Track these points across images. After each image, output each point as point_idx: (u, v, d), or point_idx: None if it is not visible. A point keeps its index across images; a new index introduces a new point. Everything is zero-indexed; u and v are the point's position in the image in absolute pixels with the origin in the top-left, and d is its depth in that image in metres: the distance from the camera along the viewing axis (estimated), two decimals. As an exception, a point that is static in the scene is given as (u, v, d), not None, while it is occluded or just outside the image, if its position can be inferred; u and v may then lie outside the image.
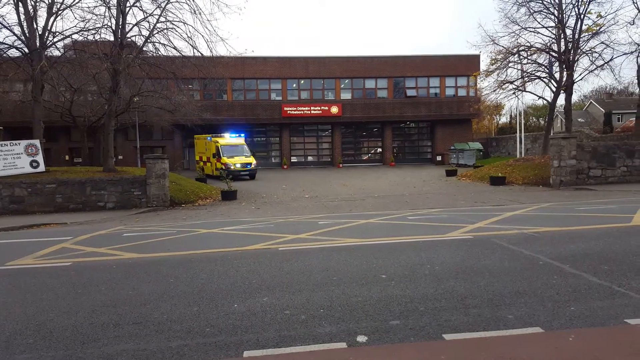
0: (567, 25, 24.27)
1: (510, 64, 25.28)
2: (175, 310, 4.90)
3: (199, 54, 20.24)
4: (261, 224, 11.50)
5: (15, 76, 20.98)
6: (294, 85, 39.28)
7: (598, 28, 23.32)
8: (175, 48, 19.95)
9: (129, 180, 17.60)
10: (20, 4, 18.61)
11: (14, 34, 19.20)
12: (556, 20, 24.28)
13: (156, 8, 19.76)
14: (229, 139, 30.46)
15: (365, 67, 39.13)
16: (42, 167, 18.75)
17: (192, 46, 19.94)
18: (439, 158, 39.72)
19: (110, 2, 19.11)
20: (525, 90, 26.67)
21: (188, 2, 19.74)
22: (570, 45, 24.04)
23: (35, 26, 19.00)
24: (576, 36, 23.77)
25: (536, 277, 5.58)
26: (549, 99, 26.89)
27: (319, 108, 38.58)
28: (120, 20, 19.52)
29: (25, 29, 18.87)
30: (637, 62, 23.31)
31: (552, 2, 24.15)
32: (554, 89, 25.52)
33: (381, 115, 39.77)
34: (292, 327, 4.31)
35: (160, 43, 20.03)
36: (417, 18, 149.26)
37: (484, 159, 37.68)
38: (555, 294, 4.97)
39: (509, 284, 5.35)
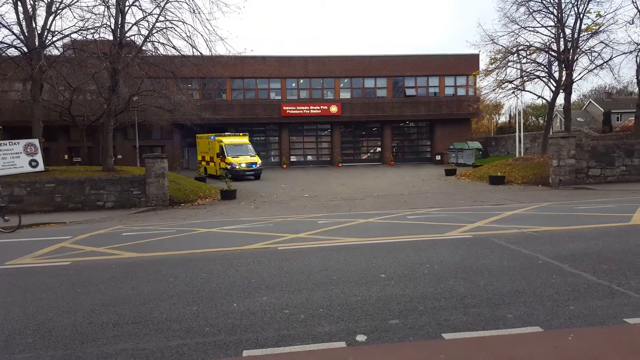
0: (566, 24, 24.29)
1: (509, 64, 25.28)
2: (175, 310, 4.90)
3: (198, 54, 20.22)
4: (260, 224, 11.50)
5: (14, 75, 20.94)
6: (293, 84, 39.26)
7: (597, 27, 23.33)
8: (174, 47, 19.94)
9: (128, 179, 17.59)
10: (19, 3, 18.59)
11: (13, 33, 19.19)
12: (555, 19, 24.28)
13: (155, 7, 19.76)
14: (233, 138, 29.91)
15: (364, 66, 39.12)
16: (41, 167, 18.73)
17: (191, 45, 19.94)
18: (438, 157, 39.74)
19: (110, 1, 19.10)
20: (524, 90, 26.71)
21: (187, 1, 19.73)
22: (569, 44, 24.05)
23: (34, 25, 18.97)
24: (575, 35, 23.77)
25: (535, 277, 5.59)
26: (548, 99, 26.91)
27: (318, 107, 38.56)
28: (120, 19, 19.50)
29: (24, 28, 18.84)
30: (637, 62, 23.32)
31: (552, 1, 24.16)
32: (553, 89, 25.54)
33: (380, 115, 39.76)
34: (291, 326, 4.31)
35: (159, 42, 20.03)
36: (417, 18, 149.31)
37: (483, 158, 37.71)
38: (554, 293, 4.98)
39: (508, 284, 5.36)
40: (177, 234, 10.39)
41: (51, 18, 18.92)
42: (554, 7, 24.17)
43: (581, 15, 23.56)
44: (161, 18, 19.70)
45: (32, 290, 5.92)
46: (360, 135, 43.34)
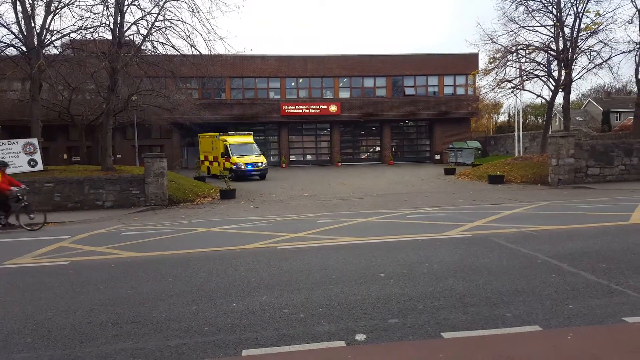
0: (565, 24, 24.30)
1: (508, 63, 25.30)
2: (174, 309, 4.90)
3: (198, 53, 20.21)
4: (260, 223, 11.50)
5: (13, 75, 20.91)
6: (293, 84, 39.26)
7: (596, 27, 23.34)
8: (173, 47, 19.93)
9: (127, 179, 17.58)
10: (18, 3, 18.56)
11: (12, 33, 19.16)
12: (555, 18, 24.29)
13: (154, 6, 19.74)
14: (237, 137, 29.29)
15: (363, 65, 39.13)
16: (40, 166, 18.71)
17: (190, 45, 19.94)
18: (437, 157, 39.77)
19: (108, 0, 19.09)
20: (523, 89, 26.71)
21: (186, 0, 19.71)
22: (568, 43, 24.06)
23: (33, 24, 18.95)
24: (574, 35, 23.78)
25: (534, 276, 5.59)
26: (548, 98, 26.93)
27: (318, 107, 38.56)
28: (119, 18, 19.49)
29: (23, 27, 18.81)
30: (635, 61, 23.33)
31: (551, 0, 24.18)
32: (553, 88, 25.55)
33: (380, 114, 39.77)
34: (290, 325, 4.31)
35: (158, 42, 20.01)
36: (417, 18, 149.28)
37: (482, 157, 37.73)
38: (553, 292, 4.98)
39: (508, 283, 5.36)
40: (176, 233, 10.39)
41: (50, 17, 18.91)
42: (553, 7, 24.20)
43: (580, 15, 23.59)
44: (160, 17, 19.70)
45: (31, 290, 5.91)
46: (359, 134, 43.35)
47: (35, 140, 18.88)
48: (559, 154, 18.83)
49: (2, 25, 19.19)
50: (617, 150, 19.28)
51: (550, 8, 24.35)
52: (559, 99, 26.70)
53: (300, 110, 38.47)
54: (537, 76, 25.80)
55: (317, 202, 16.61)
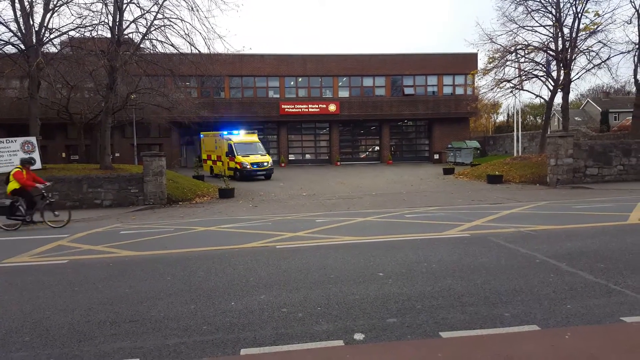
0: (564, 24, 24.33)
1: (507, 63, 25.32)
2: (172, 308, 4.89)
3: (197, 51, 20.19)
4: (258, 222, 11.49)
5: (12, 73, 20.86)
6: (292, 83, 39.23)
7: (595, 27, 23.37)
8: (172, 45, 19.92)
9: (125, 177, 17.56)
10: (16, 0, 18.51)
11: (10, 31, 19.11)
12: (554, 18, 24.31)
13: (153, 5, 19.73)
14: (242, 136, 28.63)
15: (363, 65, 39.12)
16: (38, 165, 18.65)
17: (189, 43, 19.92)
18: (436, 156, 39.77)
19: (108, -2, 19.06)
20: (522, 89, 26.74)
21: (186, -1, 19.68)
22: (567, 44, 24.08)
23: (31, 22, 18.91)
24: (574, 35, 23.81)
25: (533, 275, 5.60)
26: (546, 98, 26.97)
27: (317, 106, 38.54)
28: (118, 17, 19.46)
29: (21, 25, 18.77)
30: (634, 61, 23.35)
31: (550, 0, 24.20)
32: (551, 88, 25.58)
33: (379, 114, 39.77)
34: (289, 325, 4.31)
35: (157, 40, 19.99)
36: (416, 17, 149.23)
37: (481, 157, 37.74)
38: (551, 292, 4.99)
39: (506, 282, 5.37)
40: (175, 232, 10.38)
41: (49, 15, 18.87)
42: (552, 7, 24.22)
43: (579, 15, 23.62)
44: (159, 16, 19.69)
45: (29, 289, 5.91)
46: (358, 134, 43.35)
47: (33, 139, 18.84)
48: (557, 154, 18.85)
49: (1, 23, 19.16)
50: (616, 151, 19.31)
51: (549, 8, 24.39)
52: (558, 99, 26.73)
53: (300, 110, 38.45)
54: (536, 76, 25.82)
55: (316, 202, 16.61)
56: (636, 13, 22.62)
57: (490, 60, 25.29)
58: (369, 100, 39.52)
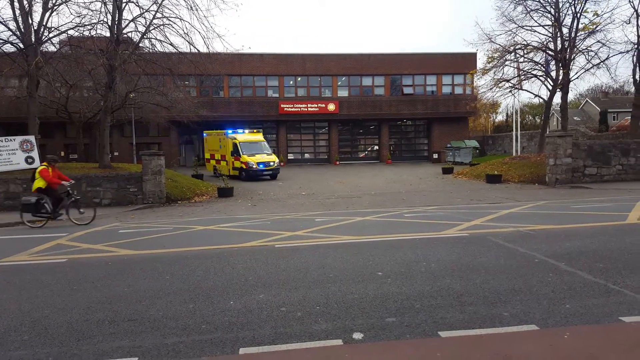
0: (563, 23, 24.33)
1: (506, 62, 25.32)
2: (171, 307, 4.89)
3: (196, 51, 20.17)
4: (258, 221, 11.49)
5: (11, 72, 20.82)
6: (291, 82, 39.21)
7: (594, 27, 23.37)
8: (171, 44, 19.90)
9: (124, 176, 17.54)
10: (15, -1, 18.50)
11: (9, 29, 19.09)
12: (553, 18, 24.31)
13: (153, 4, 19.70)
14: (247, 135, 28.07)
15: (362, 64, 39.11)
16: (37, 163, 18.60)
17: (188, 42, 19.91)
18: (435, 156, 39.78)
19: (106, -3, 19.02)
20: (521, 89, 26.74)
21: (185, -2, 19.65)
22: (566, 43, 24.09)
23: (30, 21, 18.88)
24: (572, 35, 23.82)
25: (532, 275, 5.60)
26: (545, 98, 26.97)
27: (316, 105, 38.53)
28: (117, 15, 19.44)
29: (20, 24, 18.74)
30: (633, 61, 23.35)
31: (549, 0, 24.19)
32: (550, 88, 25.59)
33: (378, 113, 39.77)
34: (288, 324, 4.31)
35: (156, 39, 19.97)
36: (416, 17, 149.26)
37: (480, 157, 37.76)
38: (550, 291, 4.99)
39: (505, 282, 5.37)
40: (174, 231, 10.38)
41: (48, 14, 18.84)
42: (551, 6, 24.22)
43: (578, 15, 23.62)
44: (158, 15, 19.67)
45: (27, 288, 5.90)
46: (357, 133, 43.34)
47: (32, 138, 18.81)
48: (556, 153, 18.86)
49: (0, 22, 19.13)
50: (615, 150, 19.33)
51: (548, 8, 24.38)
52: (557, 98, 26.76)
53: (299, 109, 38.43)
54: (535, 76, 25.83)
55: (315, 201, 16.61)
56: (635, 13, 22.63)
57: (490, 60, 25.30)
58: (368, 99, 39.52)
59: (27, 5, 18.70)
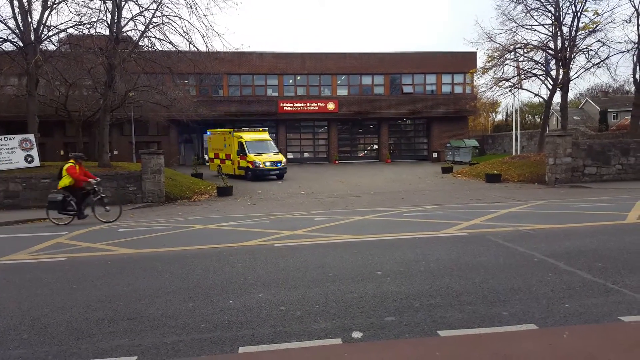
0: (563, 22, 24.32)
1: (506, 62, 25.31)
2: (171, 306, 4.89)
3: (195, 49, 20.15)
4: (257, 220, 11.49)
5: (10, 70, 20.81)
6: (291, 81, 39.17)
7: (595, 26, 23.37)
8: (171, 43, 19.88)
9: (124, 175, 17.53)
10: (14, -3, 18.47)
11: (9, 28, 19.06)
12: (553, 17, 24.30)
13: (152, 2, 19.67)
14: (253, 133, 27.46)
15: (361, 63, 39.08)
16: (36, 162, 18.63)
17: (188, 41, 19.88)
18: (435, 155, 39.78)
19: (106, -4, 18.99)
20: (521, 88, 26.73)
21: (184, -4, 19.63)
22: (566, 43, 24.08)
23: (29, 20, 18.85)
24: (573, 34, 23.80)
25: (531, 274, 5.61)
26: (545, 97, 26.97)
27: (316, 104, 38.50)
28: (116, 14, 19.41)
29: (19, 22, 18.72)
30: (633, 61, 23.33)
31: (549, -1, 24.18)
32: (550, 87, 25.58)
33: (377, 112, 39.75)
34: (287, 323, 4.31)
35: (156, 38, 19.95)
36: (415, 16, 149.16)
37: (479, 156, 37.75)
38: (549, 291, 4.99)
39: (504, 281, 5.37)
40: (173, 230, 10.37)
41: (47, 12, 18.82)
42: (551, 5, 24.20)
43: (579, 14, 23.61)
44: (158, 13, 19.64)
45: (27, 286, 5.90)
46: (357, 132, 43.31)
47: (31, 136, 18.80)
48: (556, 153, 18.87)
49: (-1, 20, 19.12)
50: (614, 150, 19.34)
51: (548, 7, 24.36)
52: (557, 98, 26.74)
53: (298, 108, 38.41)
54: (535, 75, 25.82)
55: (314, 200, 16.61)
56: (635, 12, 22.61)
57: (490, 59, 25.29)
58: (367, 98, 39.50)
59: (26, 4, 18.67)
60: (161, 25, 19.76)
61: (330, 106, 38.53)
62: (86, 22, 18.81)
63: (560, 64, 24.30)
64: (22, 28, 18.68)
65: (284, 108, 38.17)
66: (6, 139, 18.23)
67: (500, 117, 64.50)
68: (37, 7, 19.39)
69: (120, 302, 5.08)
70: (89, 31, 19.06)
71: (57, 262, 7.27)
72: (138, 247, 8.24)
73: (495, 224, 9.23)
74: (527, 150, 35.78)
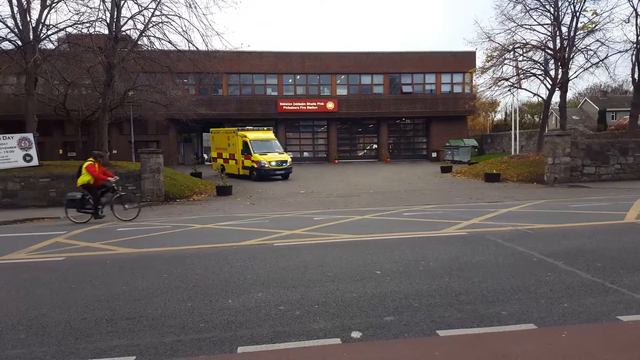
0: (562, 22, 24.33)
1: (505, 61, 25.32)
2: (169, 306, 4.88)
3: (195, 48, 20.13)
4: (256, 220, 11.48)
5: (9, 69, 20.76)
6: (290, 80, 39.15)
7: (593, 26, 23.38)
8: (170, 42, 19.86)
9: (123, 174, 17.47)
10: (13, -4, 18.43)
11: (7, 27, 19.02)
12: (552, 17, 24.31)
13: (151, 1, 19.65)
14: (258, 132, 26.83)
15: (361, 63, 39.07)
16: (35, 161, 18.60)
17: (187, 40, 19.86)
18: (434, 154, 39.80)
19: (105, -5, 18.96)
20: (520, 88, 26.72)
21: (183, -5, 19.61)
22: (565, 42, 24.09)
23: (28, 19, 18.81)
24: (572, 34, 23.82)
25: (530, 274, 5.61)
26: (544, 96, 26.97)
27: (315, 104, 38.49)
28: (115, 13, 19.38)
29: (18, 21, 18.68)
30: (632, 60, 23.37)
31: (548, -1, 24.18)
32: (549, 87, 25.60)
33: (377, 112, 39.75)
34: (286, 322, 4.31)
35: (155, 37, 19.93)
36: (415, 16, 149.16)
37: (478, 155, 37.76)
38: (548, 290, 5.00)
39: (503, 281, 5.37)
40: (172, 229, 10.36)
41: (46, 11, 18.78)
42: (550, 5, 24.19)
43: (577, 14, 23.62)
44: (157, 12, 19.62)
45: (25, 286, 5.89)
46: (356, 131, 43.30)
47: (30, 135, 18.76)
48: (555, 152, 18.88)
49: (-2, 19, 19.07)
50: (613, 150, 19.35)
51: (547, 7, 24.36)
52: (556, 97, 26.76)
53: (298, 107, 38.39)
54: (534, 75, 25.83)
55: (313, 199, 16.60)
56: (634, 12, 22.63)
57: (489, 58, 25.29)
58: (367, 98, 39.49)
59: (25, 3, 18.62)
60: (160, 25, 19.74)
61: (330, 105, 38.53)
62: (85, 21, 18.79)
63: (559, 63, 24.31)
64: (21, 27, 18.64)
65: (284, 107, 38.16)
66: (5, 138, 18.20)
67: (499, 116, 64.58)
68: (36, 6, 19.45)
69: (118, 302, 5.07)
70: (88, 30, 19.04)
71: (55, 262, 7.26)
72: (137, 247, 8.23)
73: (494, 224, 9.24)
74: (526, 149, 35.79)
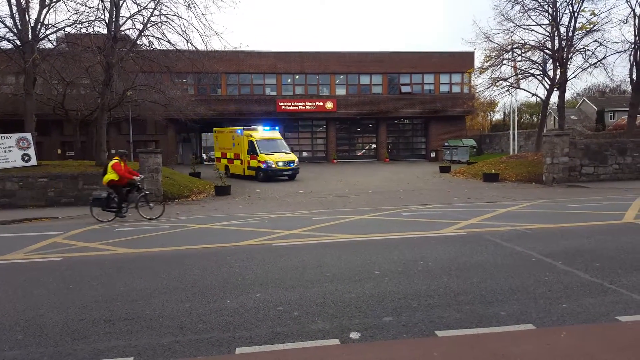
0: (561, 23, 24.36)
1: (504, 61, 25.32)
2: (167, 307, 4.87)
3: (194, 48, 20.09)
4: (255, 220, 11.47)
5: (7, 69, 20.72)
6: (289, 80, 39.15)
7: (592, 26, 23.40)
8: (169, 42, 19.80)
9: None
10: (12, -5, 18.38)
11: (6, 26, 18.95)
12: (550, 18, 24.33)
13: (150, 1, 19.59)
14: (263, 132, 26.24)
15: (360, 63, 39.08)
16: (33, 161, 18.56)
17: (186, 40, 19.80)
18: (432, 154, 39.83)
19: (104, -6, 18.91)
20: (519, 88, 26.76)
21: (183, -5, 19.57)
22: (564, 43, 24.11)
23: (27, 18, 18.76)
24: (570, 34, 23.84)
25: (528, 274, 5.61)
26: (543, 97, 26.98)
27: (314, 103, 38.49)
28: (114, 13, 19.33)
29: (17, 21, 18.63)
30: (630, 61, 23.40)
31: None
32: (548, 87, 25.61)
33: (376, 111, 39.76)
34: (284, 323, 4.30)
35: (154, 37, 19.87)
36: (414, 15, 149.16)
37: (477, 155, 37.78)
38: (547, 290, 4.99)
39: (502, 281, 5.37)
40: (170, 229, 10.35)
41: (45, 11, 18.73)
42: (549, 6, 24.21)
43: (576, 14, 23.64)
44: (156, 12, 19.56)
45: (23, 286, 5.87)
46: (355, 131, 43.32)
47: (29, 135, 18.72)
48: (553, 152, 18.89)
49: (-3, 19, 19.02)
50: (611, 150, 19.38)
51: (546, 7, 24.38)
52: (554, 97, 26.81)
53: (297, 107, 38.39)
54: (533, 75, 25.85)
55: (312, 199, 16.59)
56: (632, 12, 22.66)
57: (487, 58, 25.30)
58: (366, 98, 39.50)
59: (24, 2, 18.58)
60: (159, 24, 19.69)
61: (329, 105, 38.53)
62: (84, 20, 18.73)
63: (557, 63, 24.33)
64: (19, 26, 18.59)
65: (283, 107, 38.15)
66: (3, 137, 18.15)
67: (497, 116, 64.64)
68: (34, 6, 19.31)
69: (116, 303, 5.06)
70: (87, 30, 18.97)
71: (53, 262, 7.24)
72: (135, 247, 8.21)
73: (493, 224, 9.24)
74: (524, 149, 35.83)
